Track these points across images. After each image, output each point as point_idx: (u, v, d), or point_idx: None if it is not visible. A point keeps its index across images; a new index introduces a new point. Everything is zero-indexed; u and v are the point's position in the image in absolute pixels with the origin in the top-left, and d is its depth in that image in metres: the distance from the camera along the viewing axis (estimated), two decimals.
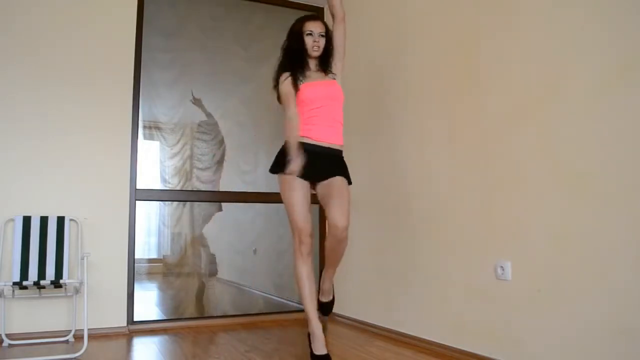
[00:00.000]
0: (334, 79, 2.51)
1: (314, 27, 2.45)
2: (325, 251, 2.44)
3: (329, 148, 2.40)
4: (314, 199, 2.46)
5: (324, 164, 2.38)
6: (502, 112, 2.31)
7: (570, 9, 2.01)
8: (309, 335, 2.41)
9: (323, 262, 3.78)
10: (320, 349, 2.32)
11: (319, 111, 2.40)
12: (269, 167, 2.48)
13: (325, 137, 2.39)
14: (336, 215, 2.26)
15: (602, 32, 1.89)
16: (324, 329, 2.47)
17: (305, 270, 2.35)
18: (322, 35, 2.46)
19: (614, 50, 1.84)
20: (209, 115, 3.62)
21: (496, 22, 2.37)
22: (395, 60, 3.10)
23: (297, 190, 2.33)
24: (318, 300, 2.54)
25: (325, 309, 2.61)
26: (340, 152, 2.46)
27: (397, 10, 3.12)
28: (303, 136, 2.36)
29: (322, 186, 2.41)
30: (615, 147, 1.83)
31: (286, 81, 2.43)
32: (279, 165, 2.37)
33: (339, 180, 2.38)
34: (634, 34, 1.78)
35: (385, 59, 3.21)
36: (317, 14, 3.99)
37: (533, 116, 2.15)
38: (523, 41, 2.22)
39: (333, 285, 2.61)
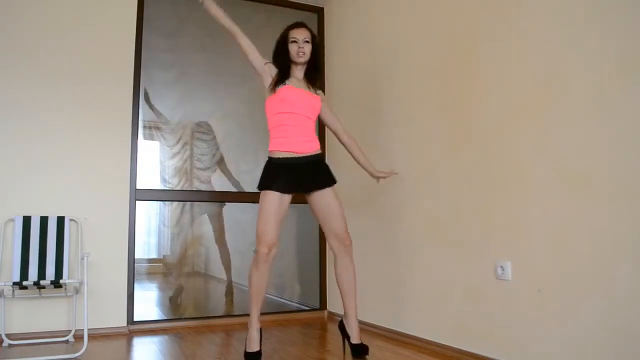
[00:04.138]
0: (317, 94, 2.56)
1: (297, 35, 2.49)
2: (338, 284, 2.48)
3: (310, 157, 2.47)
4: (299, 199, 2.56)
5: (307, 174, 2.44)
6: (502, 112, 2.31)
7: (570, 9, 2.01)
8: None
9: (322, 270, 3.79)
10: (252, 347, 2.38)
11: (290, 118, 2.43)
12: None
13: (304, 148, 2.45)
14: (335, 225, 2.44)
15: (602, 32, 1.89)
16: None
17: (257, 277, 2.38)
18: (307, 42, 2.50)
19: (614, 50, 1.84)
20: (159, 115, 3.56)
21: (496, 22, 2.37)
22: (394, 59, 3.10)
23: (271, 204, 2.37)
24: (352, 344, 2.45)
25: (360, 351, 2.43)
26: (319, 155, 2.52)
27: (395, 10, 3.12)
28: (280, 151, 2.42)
29: (317, 200, 2.47)
30: (615, 147, 1.83)
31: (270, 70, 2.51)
32: (268, 183, 2.41)
33: (327, 192, 2.46)
34: (634, 34, 1.78)
35: (384, 58, 3.21)
36: (317, 13, 4.00)
37: (533, 116, 2.15)
38: (523, 41, 2.22)
39: None
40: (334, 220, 2.45)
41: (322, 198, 2.46)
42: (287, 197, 2.43)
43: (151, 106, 3.50)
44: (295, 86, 2.48)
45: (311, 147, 2.47)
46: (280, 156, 2.43)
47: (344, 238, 2.46)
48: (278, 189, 2.38)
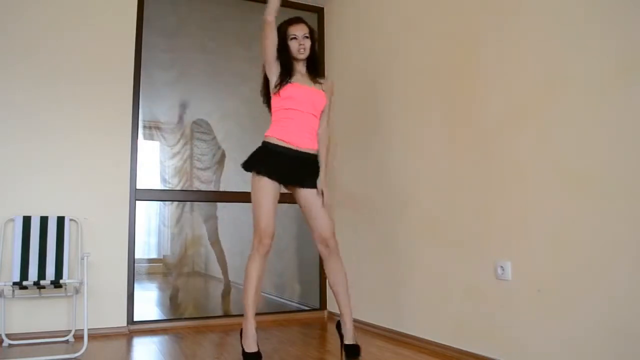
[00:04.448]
0: (321, 88, 2.54)
1: (297, 31, 2.48)
2: (330, 286, 2.49)
3: (306, 153, 2.46)
4: (286, 199, 2.56)
5: (301, 169, 2.44)
6: (502, 112, 2.31)
7: (570, 8, 2.01)
8: (241, 331, 2.45)
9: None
10: (251, 347, 2.36)
11: (295, 114, 2.44)
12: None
13: (303, 143, 2.45)
14: (320, 225, 2.42)
15: (602, 32, 1.89)
16: None
17: (257, 269, 2.38)
18: (307, 37, 2.49)
19: (614, 50, 1.84)
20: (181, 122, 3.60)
21: (496, 22, 2.36)
22: (394, 60, 3.10)
23: (268, 193, 2.37)
24: (345, 344, 2.45)
25: (352, 352, 2.41)
26: (314, 155, 2.52)
27: (395, 10, 3.12)
28: (281, 139, 2.42)
29: (303, 197, 2.46)
30: (615, 147, 1.83)
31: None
32: (256, 164, 2.40)
33: (310, 191, 2.45)
34: (634, 33, 1.78)
35: (384, 58, 3.21)
36: (317, 13, 4.01)
37: (533, 116, 2.15)
38: (523, 41, 2.22)
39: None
40: (319, 219, 2.43)
41: (310, 196, 2.45)
42: (277, 186, 2.42)
43: (182, 116, 3.54)
44: (300, 83, 2.48)
45: (308, 144, 2.46)
46: (277, 143, 2.43)
47: (328, 239, 2.43)
48: (275, 177, 2.37)
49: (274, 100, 2.49)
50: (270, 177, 2.37)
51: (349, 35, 3.67)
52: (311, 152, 2.49)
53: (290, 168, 2.42)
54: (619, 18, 1.83)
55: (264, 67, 2.53)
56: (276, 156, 2.41)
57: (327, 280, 2.50)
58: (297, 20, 2.53)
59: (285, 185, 2.49)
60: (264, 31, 2.42)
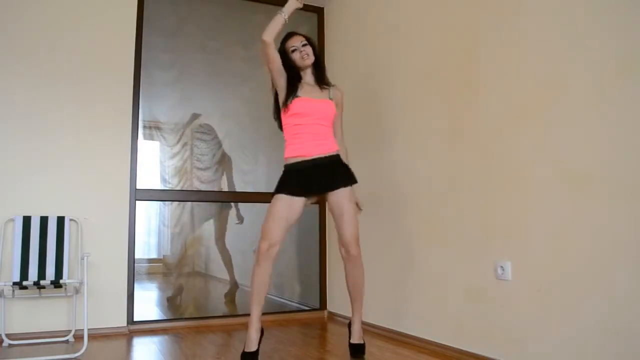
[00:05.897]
0: (329, 97, 2.54)
1: (294, 42, 2.52)
2: (347, 285, 2.53)
3: (320, 158, 2.45)
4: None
5: (325, 174, 2.44)
6: (502, 112, 2.31)
7: (570, 8, 2.01)
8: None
9: (323, 266, 3.79)
10: (250, 347, 2.38)
11: (304, 128, 2.46)
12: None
13: (315, 150, 2.45)
14: (343, 230, 2.44)
15: (602, 32, 1.89)
16: None
17: (259, 275, 2.41)
18: (305, 44, 2.52)
19: (614, 50, 1.84)
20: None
21: (496, 22, 2.36)
22: (395, 60, 3.10)
23: (279, 206, 2.40)
24: (350, 343, 2.50)
25: (356, 351, 2.48)
26: (335, 156, 2.50)
27: (396, 10, 3.12)
28: (296, 156, 2.45)
29: (335, 201, 2.45)
30: (615, 147, 1.83)
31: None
32: (277, 188, 2.46)
33: (341, 194, 2.44)
34: (634, 33, 1.78)
35: (384, 58, 3.21)
36: (317, 13, 4.01)
37: (533, 116, 2.15)
38: (523, 41, 2.22)
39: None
40: (342, 224, 2.44)
41: (335, 199, 2.45)
42: (298, 201, 2.42)
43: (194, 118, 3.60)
44: (308, 95, 2.49)
45: (322, 149, 2.46)
46: (291, 161, 2.47)
47: (349, 245, 2.43)
48: (285, 191, 2.41)
49: (283, 116, 2.52)
50: (290, 193, 2.39)
51: (349, 36, 3.67)
52: (328, 154, 2.47)
53: (312, 177, 2.42)
54: (619, 18, 1.83)
55: (274, 88, 2.54)
56: (294, 173, 2.44)
57: (345, 282, 2.52)
58: (291, 34, 2.56)
59: (314, 195, 2.48)
60: (265, 53, 2.43)
